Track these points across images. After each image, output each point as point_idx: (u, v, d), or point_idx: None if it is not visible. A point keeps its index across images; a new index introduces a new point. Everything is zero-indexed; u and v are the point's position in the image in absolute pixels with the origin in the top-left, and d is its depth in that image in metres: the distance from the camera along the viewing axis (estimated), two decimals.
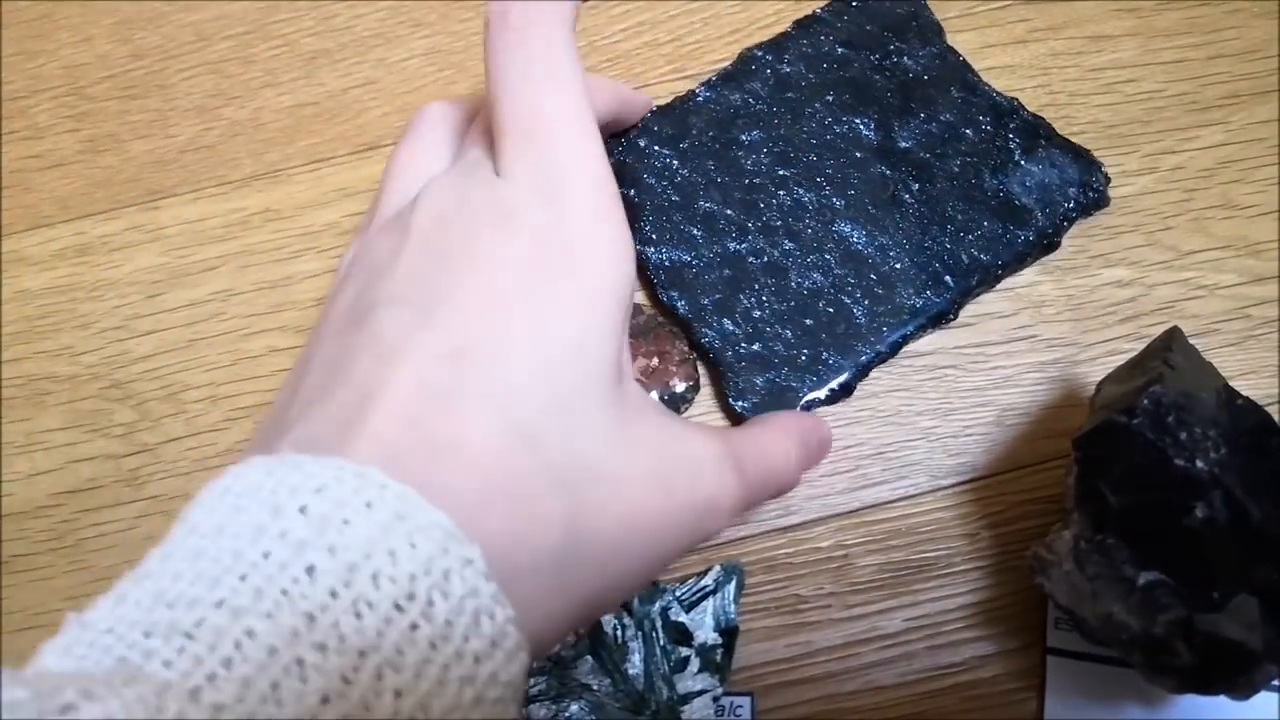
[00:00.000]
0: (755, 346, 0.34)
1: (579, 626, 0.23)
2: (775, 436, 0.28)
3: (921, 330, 0.34)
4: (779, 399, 0.33)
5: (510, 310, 0.22)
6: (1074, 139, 0.37)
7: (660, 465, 0.23)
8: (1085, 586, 0.27)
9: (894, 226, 0.35)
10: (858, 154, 0.36)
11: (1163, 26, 0.40)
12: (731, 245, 0.35)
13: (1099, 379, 0.35)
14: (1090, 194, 0.36)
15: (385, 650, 0.17)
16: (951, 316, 0.34)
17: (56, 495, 0.35)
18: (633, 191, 0.36)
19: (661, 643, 0.30)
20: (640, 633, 0.30)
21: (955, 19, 0.40)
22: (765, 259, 0.35)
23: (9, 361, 0.36)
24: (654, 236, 0.35)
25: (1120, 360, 0.35)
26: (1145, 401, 0.26)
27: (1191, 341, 0.35)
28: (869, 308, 0.34)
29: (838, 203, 0.36)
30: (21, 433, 0.35)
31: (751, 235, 0.35)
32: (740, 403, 0.33)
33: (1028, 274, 0.36)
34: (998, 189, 0.36)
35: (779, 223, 0.35)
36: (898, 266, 0.35)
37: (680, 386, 0.33)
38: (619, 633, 0.30)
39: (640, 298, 0.36)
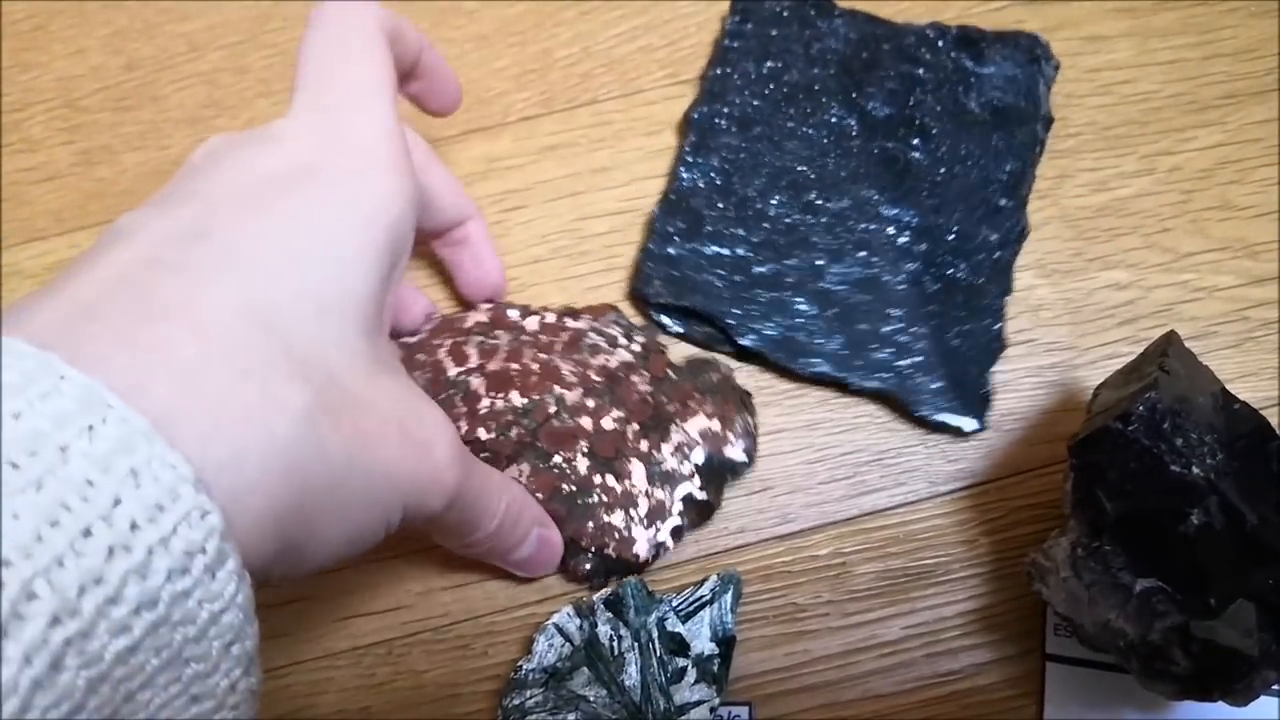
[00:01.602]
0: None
1: (284, 557, 0.20)
2: (498, 486, 0.28)
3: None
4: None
5: (262, 204, 0.22)
6: (1071, 139, 0.37)
7: (403, 414, 0.23)
8: (1083, 593, 0.27)
9: (927, 187, 0.36)
10: (852, 143, 0.36)
11: (1159, 26, 0.40)
12: (818, 285, 0.35)
13: (1097, 383, 0.35)
14: (1048, 61, 0.37)
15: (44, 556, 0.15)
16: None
17: None
18: (699, 298, 0.34)
19: (658, 653, 0.30)
20: (636, 644, 0.30)
21: (951, 20, 0.39)
22: (853, 280, 0.35)
23: None
24: (748, 325, 0.34)
25: (1118, 364, 0.35)
26: (1140, 408, 0.26)
27: (1190, 344, 0.35)
28: (978, 263, 0.35)
29: (870, 194, 0.36)
30: None
31: (826, 266, 0.35)
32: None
33: (1025, 277, 0.36)
34: (981, 104, 0.37)
35: (841, 242, 0.35)
36: (956, 215, 0.36)
37: (736, 455, 0.33)
38: (615, 644, 0.30)
39: (721, 358, 0.35)
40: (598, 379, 0.32)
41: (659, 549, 0.31)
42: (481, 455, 0.30)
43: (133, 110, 0.39)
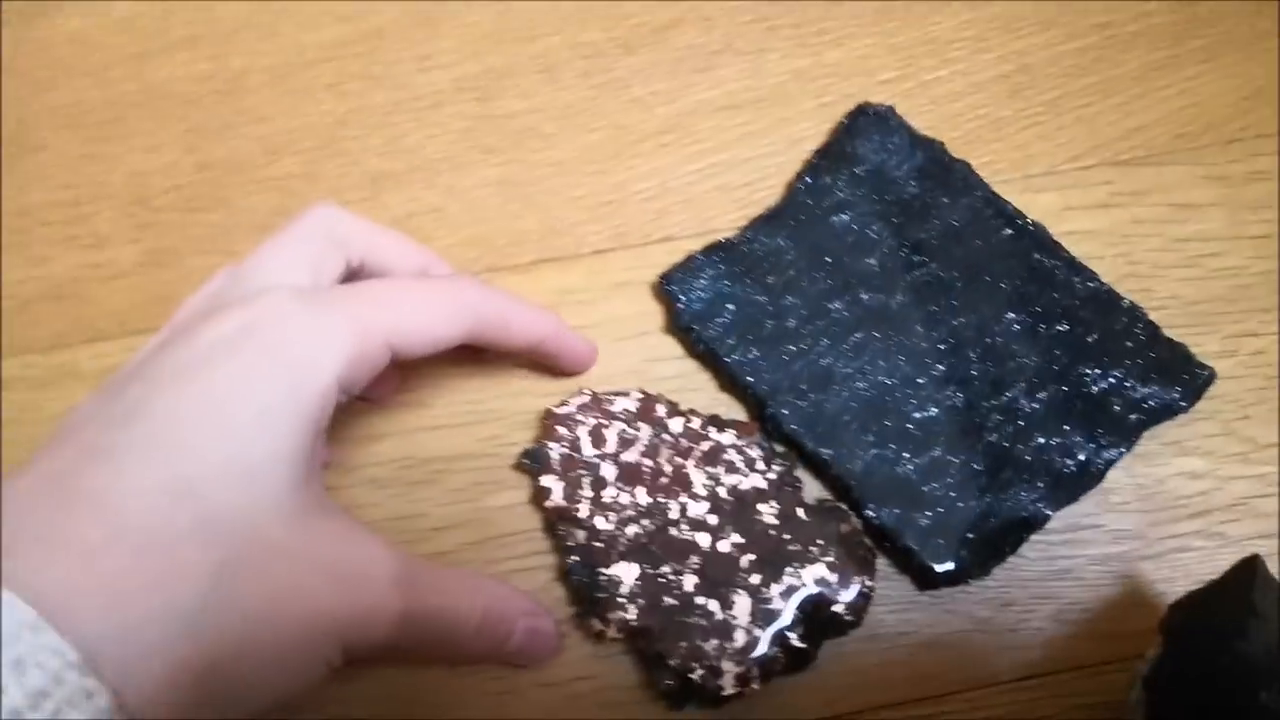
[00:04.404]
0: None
1: (210, 706, 0.23)
2: (468, 592, 0.29)
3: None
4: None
5: (199, 376, 0.24)
6: (1154, 313, 0.36)
7: (332, 557, 0.25)
8: None
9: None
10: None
11: (1251, 198, 0.39)
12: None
13: (1164, 578, 0.34)
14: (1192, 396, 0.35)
15: None
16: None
17: None
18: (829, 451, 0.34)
19: None
20: None
21: (1038, 177, 0.39)
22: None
23: None
24: (851, 448, 0.34)
25: (1188, 559, 0.34)
26: (1226, 659, 0.25)
27: (1265, 543, 0.34)
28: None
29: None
30: None
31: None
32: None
33: None
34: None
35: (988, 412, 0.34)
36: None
37: (845, 613, 0.31)
38: None
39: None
40: (727, 498, 0.32)
41: (745, 687, 0.31)
42: (594, 544, 0.32)
43: (202, 212, 0.39)
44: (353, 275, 0.31)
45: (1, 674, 0.18)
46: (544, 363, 0.35)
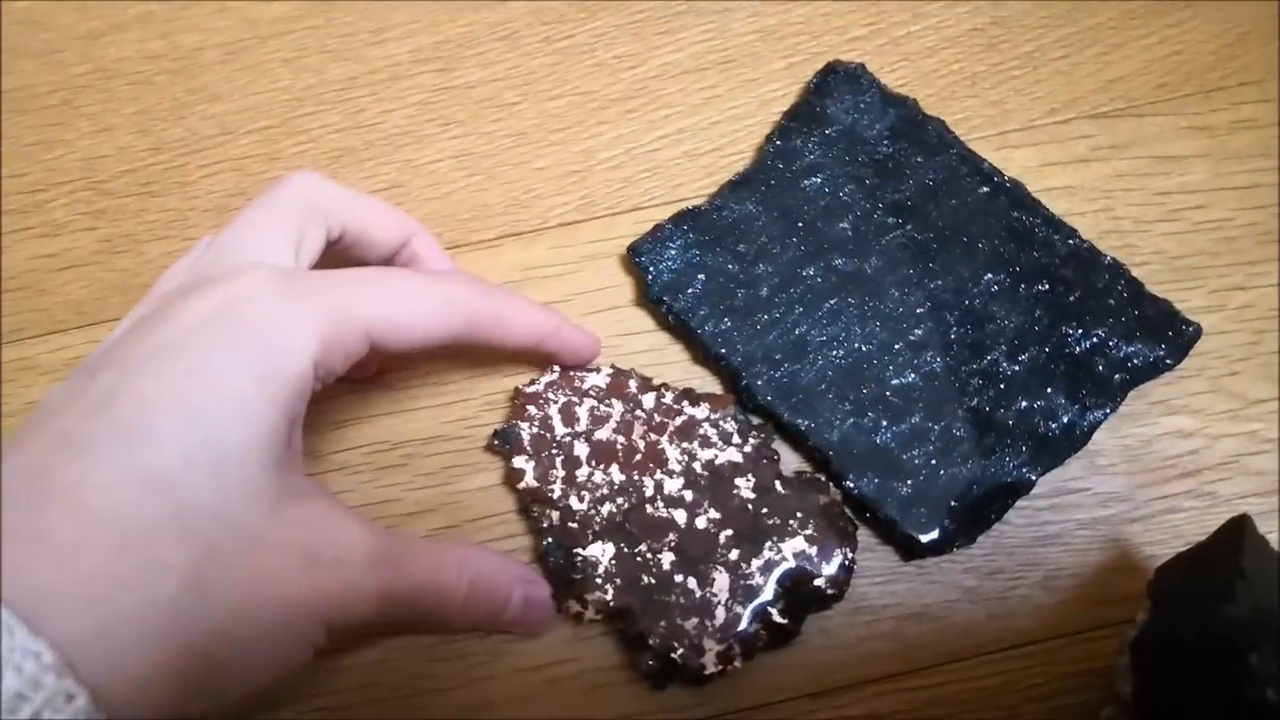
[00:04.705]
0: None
1: (196, 696, 0.23)
2: (454, 564, 0.28)
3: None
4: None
5: (172, 361, 0.24)
6: (1136, 269, 0.35)
7: (308, 541, 0.25)
8: None
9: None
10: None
11: (1236, 148, 0.37)
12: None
13: (1154, 540, 0.33)
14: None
15: None
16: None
17: None
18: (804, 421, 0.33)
19: None
20: None
21: (1015, 133, 0.38)
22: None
23: None
24: (829, 418, 0.33)
25: (1178, 520, 0.33)
26: (1214, 622, 0.24)
27: (1256, 500, 0.33)
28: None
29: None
30: None
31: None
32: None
33: None
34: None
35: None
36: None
37: (826, 586, 0.31)
38: None
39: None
40: (703, 474, 0.32)
41: (727, 665, 0.30)
42: (569, 525, 0.31)
43: (159, 196, 0.38)
44: (333, 245, 0.30)
45: None
46: (543, 359, 0.33)
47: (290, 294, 0.26)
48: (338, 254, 0.31)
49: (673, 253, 0.35)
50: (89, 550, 0.21)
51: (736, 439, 0.33)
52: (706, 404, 0.33)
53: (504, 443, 0.33)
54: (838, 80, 0.37)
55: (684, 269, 0.34)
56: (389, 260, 0.32)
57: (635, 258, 0.35)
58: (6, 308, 0.36)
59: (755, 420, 0.33)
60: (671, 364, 0.35)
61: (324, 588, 0.25)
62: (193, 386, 0.24)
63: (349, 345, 0.26)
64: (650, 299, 0.35)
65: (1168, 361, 0.33)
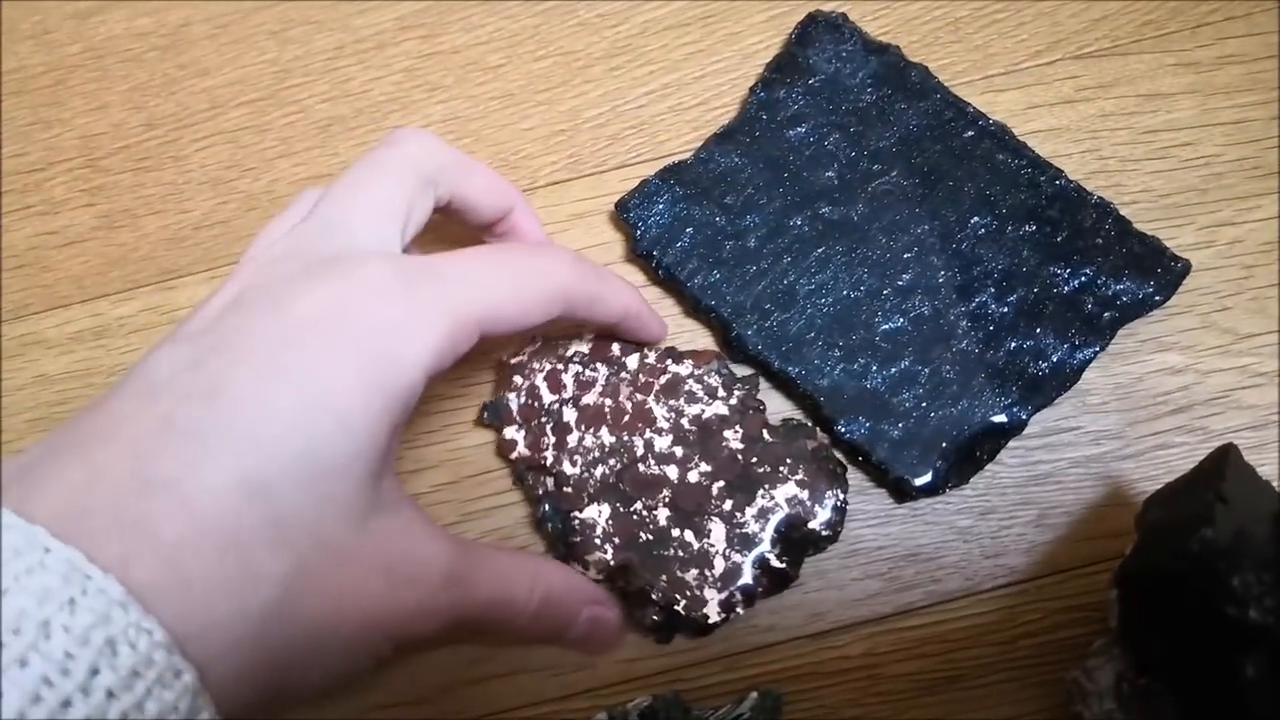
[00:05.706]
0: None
1: (260, 701, 0.23)
2: (527, 580, 0.28)
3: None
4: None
5: (282, 358, 0.23)
6: (1125, 208, 0.35)
7: (390, 557, 0.24)
8: None
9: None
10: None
11: (1222, 83, 0.37)
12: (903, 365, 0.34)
13: (1146, 476, 0.33)
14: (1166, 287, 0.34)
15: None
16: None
17: None
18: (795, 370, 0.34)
19: None
20: None
21: (1000, 76, 0.38)
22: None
23: None
24: (819, 365, 0.33)
25: (1170, 455, 0.33)
26: (1194, 546, 0.25)
27: (1247, 434, 0.34)
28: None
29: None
30: None
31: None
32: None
33: None
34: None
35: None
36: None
37: (821, 529, 0.31)
38: None
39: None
40: (690, 428, 0.32)
41: (729, 613, 0.31)
42: (564, 490, 0.32)
43: (154, 170, 0.38)
44: (438, 211, 0.30)
45: (89, 656, 0.18)
46: (614, 336, 0.33)
47: (410, 298, 0.25)
48: (438, 218, 0.30)
49: (660, 207, 0.35)
50: (191, 553, 0.21)
51: (721, 392, 0.33)
52: (690, 360, 0.33)
53: (493, 416, 0.33)
54: (819, 30, 0.37)
55: (672, 223, 0.35)
56: (488, 228, 0.32)
57: (623, 214, 0.35)
58: (10, 285, 0.37)
59: (740, 373, 0.34)
60: (664, 316, 0.35)
61: (400, 607, 0.25)
62: (302, 395, 0.23)
63: (461, 347, 0.26)
64: (639, 254, 0.35)
65: (1157, 298, 0.34)
